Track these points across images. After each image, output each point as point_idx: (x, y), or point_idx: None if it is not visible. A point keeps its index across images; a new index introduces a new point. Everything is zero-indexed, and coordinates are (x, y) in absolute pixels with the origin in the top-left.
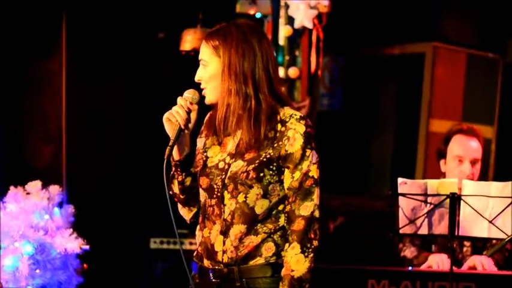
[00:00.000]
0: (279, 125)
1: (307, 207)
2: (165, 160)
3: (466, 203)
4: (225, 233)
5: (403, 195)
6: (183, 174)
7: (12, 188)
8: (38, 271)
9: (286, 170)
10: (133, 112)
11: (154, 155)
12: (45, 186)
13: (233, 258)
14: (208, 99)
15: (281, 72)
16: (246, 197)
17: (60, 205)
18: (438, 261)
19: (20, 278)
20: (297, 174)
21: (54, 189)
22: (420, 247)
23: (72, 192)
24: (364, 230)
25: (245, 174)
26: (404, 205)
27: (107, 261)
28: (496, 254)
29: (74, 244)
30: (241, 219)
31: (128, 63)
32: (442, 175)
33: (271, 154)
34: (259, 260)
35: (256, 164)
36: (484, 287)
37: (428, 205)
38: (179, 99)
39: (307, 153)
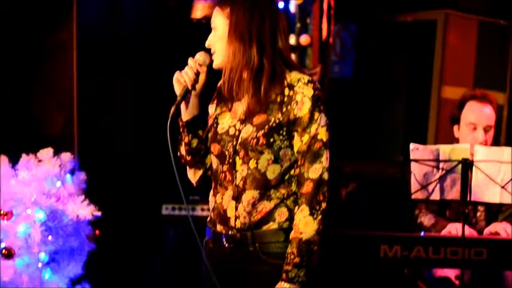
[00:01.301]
0: (287, 90)
1: (316, 170)
2: (169, 118)
3: (478, 168)
4: (237, 198)
5: (415, 160)
6: (190, 135)
7: (24, 155)
8: (50, 238)
9: (295, 133)
10: (145, 79)
11: (167, 120)
12: (57, 153)
13: (246, 224)
14: (216, 63)
15: (292, 39)
16: (257, 163)
17: (72, 172)
18: (458, 231)
19: (32, 245)
20: (306, 138)
21: (66, 156)
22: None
23: (84, 159)
24: (376, 196)
25: (255, 140)
26: (417, 171)
27: (119, 228)
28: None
29: (85, 211)
30: (253, 184)
31: (139, 32)
32: (455, 141)
33: (280, 119)
34: (273, 225)
35: (266, 130)
36: (496, 252)
37: (440, 171)
38: (189, 60)
39: (316, 117)
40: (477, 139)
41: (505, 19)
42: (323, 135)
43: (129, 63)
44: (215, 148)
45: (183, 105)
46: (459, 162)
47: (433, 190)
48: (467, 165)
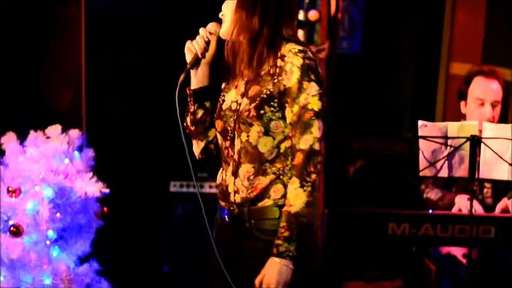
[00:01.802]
0: (279, 60)
1: (307, 141)
2: (178, 86)
3: (487, 145)
4: (235, 173)
5: (424, 137)
6: (196, 105)
7: (32, 132)
8: (58, 215)
9: (286, 105)
10: (154, 55)
11: (176, 88)
12: (65, 130)
13: (244, 199)
14: (222, 31)
15: (301, 15)
16: (248, 136)
17: (80, 149)
18: (467, 204)
19: (40, 222)
20: (295, 108)
21: (74, 133)
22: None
23: (92, 136)
24: (383, 173)
25: (247, 112)
26: (425, 148)
27: (127, 205)
28: None
29: (94, 188)
30: (247, 158)
31: (148, 12)
32: (462, 117)
33: (271, 90)
34: (268, 202)
35: (257, 102)
36: (504, 230)
37: (448, 148)
38: (200, 30)
39: (304, 86)
40: (484, 115)
41: None
42: (314, 104)
43: (138, 41)
44: (219, 125)
45: (192, 74)
46: (467, 139)
47: (441, 167)
48: (475, 142)
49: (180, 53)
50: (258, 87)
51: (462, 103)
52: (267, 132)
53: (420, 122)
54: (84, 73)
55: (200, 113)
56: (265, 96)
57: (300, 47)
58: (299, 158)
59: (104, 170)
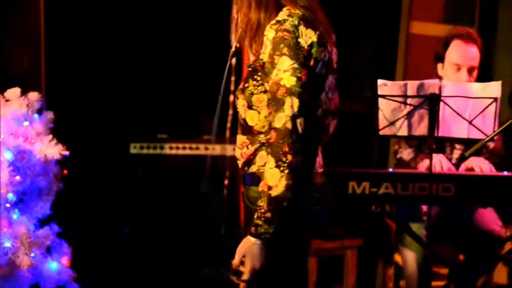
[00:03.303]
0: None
1: (280, 119)
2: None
3: (446, 103)
4: (236, 142)
5: (383, 96)
6: None
7: None
8: (18, 178)
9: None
10: (112, 16)
11: (135, 58)
12: (24, 93)
13: (241, 165)
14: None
15: None
16: (238, 108)
17: (39, 112)
18: (436, 162)
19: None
20: (270, 84)
21: (34, 95)
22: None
23: (52, 98)
24: (344, 132)
25: (240, 86)
26: (384, 107)
27: (87, 167)
28: (490, 158)
29: (53, 150)
30: (240, 129)
31: None
32: (439, 78)
33: (255, 63)
34: (253, 168)
35: (246, 75)
36: (463, 188)
37: (408, 106)
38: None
39: (276, 61)
40: (461, 79)
41: None
42: (286, 80)
43: (97, 3)
44: None
45: None
46: (426, 97)
47: (400, 126)
48: (434, 100)
49: (137, 14)
50: (251, 61)
51: (439, 65)
52: (250, 106)
53: (380, 81)
54: (43, 35)
55: None
56: (250, 69)
57: (280, 18)
58: (272, 136)
59: (64, 132)
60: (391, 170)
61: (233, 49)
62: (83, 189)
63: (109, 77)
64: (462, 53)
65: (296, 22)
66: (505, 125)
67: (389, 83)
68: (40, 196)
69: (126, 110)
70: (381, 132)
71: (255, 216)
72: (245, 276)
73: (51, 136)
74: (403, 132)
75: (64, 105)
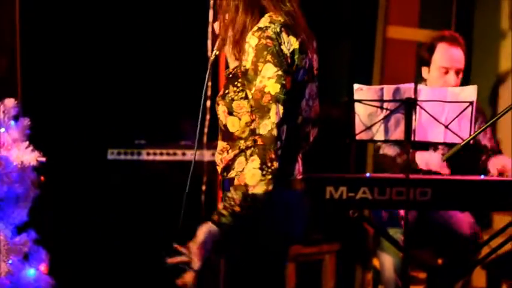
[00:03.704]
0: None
1: (266, 126)
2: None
3: (422, 108)
4: (217, 148)
5: (359, 101)
6: None
7: None
8: None
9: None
10: (90, 21)
11: (113, 64)
12: (0, 99)
13: (220, 171)
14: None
15: None
16: (218, 115)
17: (15, 118)
18: (427, 160)
19: None
20: (254, 91)
21: (10, 102)
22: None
23: (28, 104)
24: (321, 137)
25: (221, 92)
26: (361, 111)
27: (64, 173)
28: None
29: (30, 157)
30: (220, 135)
31: None
32: (423, 82)
33: (235, 70)
34: (232, 174)
35: (226, 82)
36: (441, 192)
37: (384, 111)
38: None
39: (259, 68)
40: (449, 82)
41: None
42: (271, 87)
43: (73, 7)
44: None
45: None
46: (402, 102)
47: (377, 130)
48: (410, 105)
49: (114, 19)
50: (230, 68)
51: (424, 69)
52: (230, 112)
53: (356, 86)
54: (18, 41)
55: None
56: (230, 75)
57: (262, 24)
58: (259, 141)
59: (40, 138)
60: (368, 174)
61: (213, 57)
62: (60, 195)
63: (86, 83)
64: (449, 56)
65: (278, 29)
66: (478, 131)
67: (365, 87)
68: (17, 203)
69: (103, 116)
70: (357, 137)
71: (221, 206)
72: (196, 265)
73: (27, 143)
74: (380, 136)
75: (40, 112)
